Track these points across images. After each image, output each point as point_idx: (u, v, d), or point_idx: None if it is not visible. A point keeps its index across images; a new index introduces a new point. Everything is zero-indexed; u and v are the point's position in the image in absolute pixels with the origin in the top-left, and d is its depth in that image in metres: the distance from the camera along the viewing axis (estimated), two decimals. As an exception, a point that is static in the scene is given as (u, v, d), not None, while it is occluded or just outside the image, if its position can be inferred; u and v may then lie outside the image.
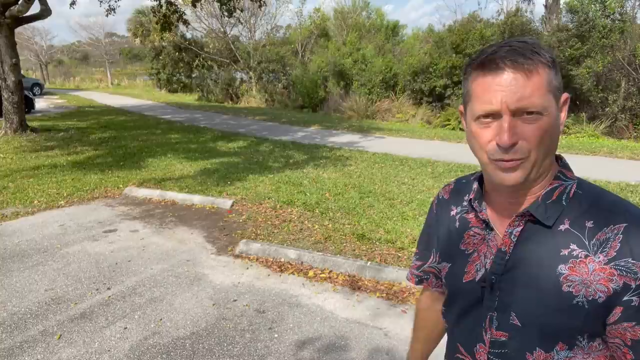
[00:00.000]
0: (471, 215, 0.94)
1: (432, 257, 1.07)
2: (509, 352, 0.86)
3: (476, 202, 0.92)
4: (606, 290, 0.75)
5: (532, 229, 0.84)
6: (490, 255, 0.88)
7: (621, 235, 0.76)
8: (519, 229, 0.84)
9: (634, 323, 0.75)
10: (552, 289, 0.79)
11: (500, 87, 0.78)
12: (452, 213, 1.00)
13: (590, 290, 0.76)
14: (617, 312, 0.76)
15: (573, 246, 0.79)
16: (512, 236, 0.85)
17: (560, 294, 0.78)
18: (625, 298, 0.74)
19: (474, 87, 0.82)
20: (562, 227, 0.81)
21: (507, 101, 0.77)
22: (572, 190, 0.84)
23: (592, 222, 0.79)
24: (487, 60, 0.80)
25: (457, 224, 0.98)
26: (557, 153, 0.88)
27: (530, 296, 0.82)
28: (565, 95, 0.83)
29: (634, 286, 0.74)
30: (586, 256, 0.77)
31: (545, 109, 0.78)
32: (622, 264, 0.74)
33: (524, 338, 0.83)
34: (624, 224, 0.76)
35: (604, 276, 0.76)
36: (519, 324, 0.83)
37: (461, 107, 0.90)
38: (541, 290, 0.80)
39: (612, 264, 0.75)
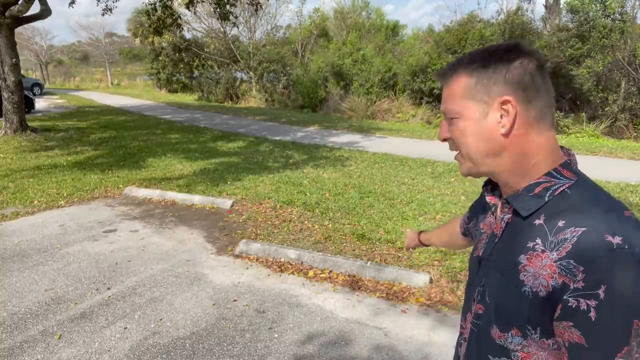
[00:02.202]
0: (488, 199, 1.05)
1: (473, 221, 1.26)
2: (480, 324, 0.95)
3: (489, 187, 1.02)
4: (546, 285, 0.79)
5: (515, 218, 0.90)
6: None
7: (576, 239, 0.77)
8: (508, 216, 0.92)
9: (571, 323, 0.76)
10: (511, 275, 0.85)
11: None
12: (485, 194, 1.12)
13: (536, 282, 0.81)
14: (558, 309, 0.78)
15: (538, 240, 0.83)
16: (502, 222, 0.93)
17: (516, 281, 0.84)
18: (564, 297, 0.77)
19: None
20: (537, 222, 0.85)
21: (441, 106, 0.95)
22: (561, 188, 0.85)
23: (564, 222, 0.81)
24: (435, 75, 0.99)
25: (484, 205, 1.10)
26: (570, 151, 0.92)
27: (496, 279, 0.90)
28: (500, 99, 0.85)
29: (572, 287, 0.75)
30: (543, 251, 0.81)
31: (459, 113, 0.90)
32: (564, 264, 0.77)
33: (489, 315, 0.92)
34: (584, 229, 0.77)
35: (549, 272, 0.79)
36: (488, 301, 0.92)
37: None
38: (504, 275, 0.88)
39: (558, 262, 0.78)
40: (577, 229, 0.78)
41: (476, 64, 0.87)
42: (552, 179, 0.86)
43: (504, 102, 0.86)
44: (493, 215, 0.99)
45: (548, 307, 0.79)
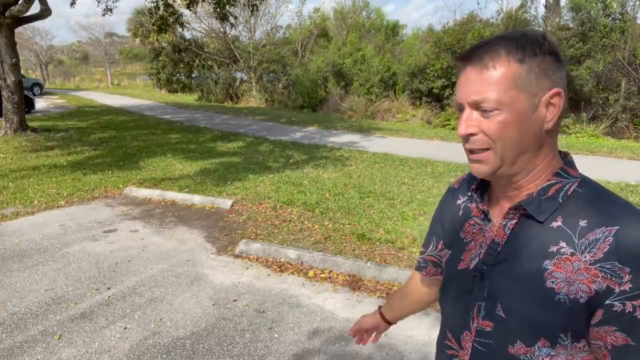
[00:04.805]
0: (473, 205, 0.97)
1: (432, 245, 1.11)
2: (492, 343, 0.86)
3: (477, 192, 0.94)
4: (588, 290, 0.74)
5: (525, 223, 0.84)
6: (485, 246, 0.89)
7: (612, 238, 0.74)
8: (513, 221, 0.85)
9: (614, 328, 0.74)
10: (537, 283, 0.79)
11: (463, 81, 0.82)
12: (459, 202, 1.02)
13: (572, 288, 0.76)
14: (599, 314, 0.75)
15: (562, 243, 0.78)
16: (506, 228, 0.86)
17: (544, 289, 0.78)
18: (607, 302, 0.73)
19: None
20: (554, 224, 0.80)
21: (465, 95, 0.81)
22: (572, 188, 0.82)
23: (585, 221, 0.77)
24: (460, 56, 0.83)
25: (461, 212, 1.00)
26: (564, 150, 0.88)
27: (516, 289, 0.82)
28: (552, 91, 0.78)
29: (617, 291, 0.72)
30: (572, 254, 0.76)
31: (503, 104, 0.77)
32: (608, 266, 0.73)
33: (506, 330, 0.83)
34: (617, 227, 0.74)
35: (587, 276, 0.74)
36: (503, 315, 0.84)
37: None
38: (526, 284, 0.80)
39: (597, 265, 0.74)
40: (610, 228, 0.74)
41: (527, 51, 0.77)
42: (562, 179, 0.83)
43: (555, 95, 0.79)
44: (484, 221, 0.92)
45: (586, 312, 0.76)
